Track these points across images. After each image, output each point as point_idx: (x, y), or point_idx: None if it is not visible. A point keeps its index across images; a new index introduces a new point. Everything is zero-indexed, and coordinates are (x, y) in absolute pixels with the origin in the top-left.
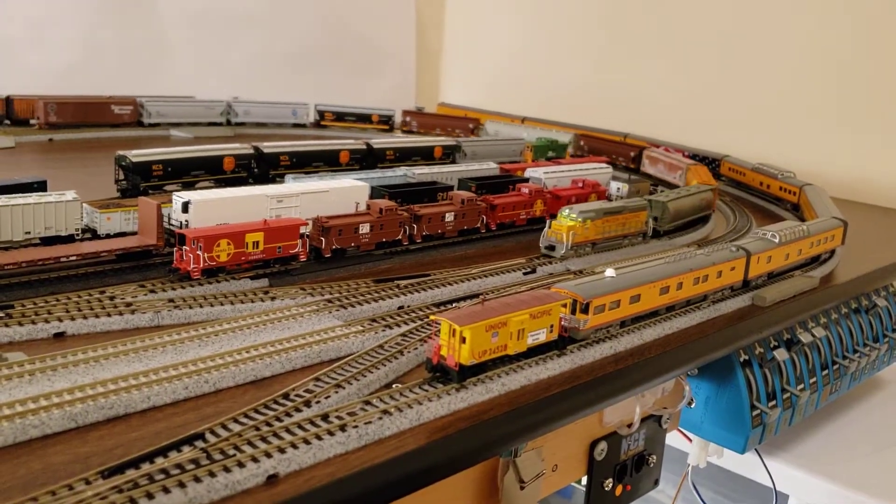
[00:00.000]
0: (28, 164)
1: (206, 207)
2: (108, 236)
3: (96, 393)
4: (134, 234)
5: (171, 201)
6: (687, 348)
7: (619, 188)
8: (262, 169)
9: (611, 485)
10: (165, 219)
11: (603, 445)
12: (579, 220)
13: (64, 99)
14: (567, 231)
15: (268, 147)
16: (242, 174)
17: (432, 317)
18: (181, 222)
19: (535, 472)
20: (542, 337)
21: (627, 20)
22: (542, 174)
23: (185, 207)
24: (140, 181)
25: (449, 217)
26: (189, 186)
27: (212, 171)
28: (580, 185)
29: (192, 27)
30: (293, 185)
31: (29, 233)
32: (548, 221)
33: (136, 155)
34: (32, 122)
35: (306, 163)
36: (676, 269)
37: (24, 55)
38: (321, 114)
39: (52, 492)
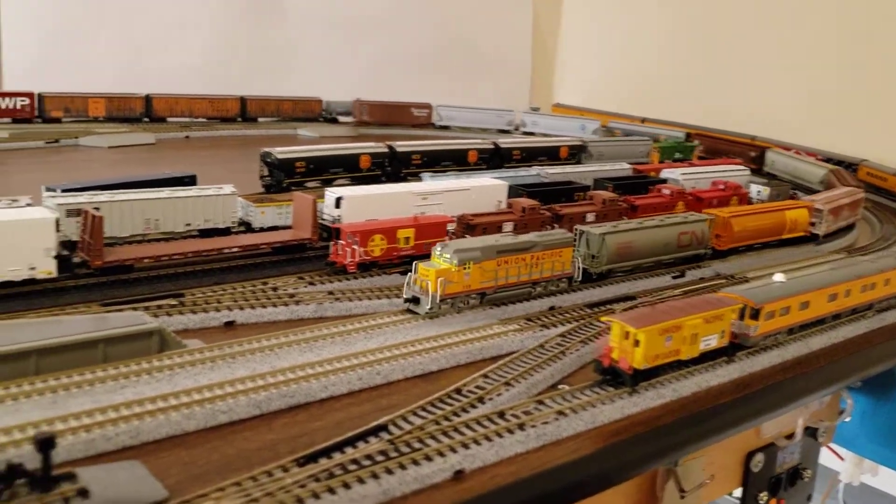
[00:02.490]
0: (170, 160)
1: (357, 203)
2: (261, 230)
3: (276, 381)
4: (286, 227)
5: (323, 197)
6: (854, 359)
7: (759, 191)
8: (394, 167)
9: (765, 498)
10: (318, 214)
11: (760, 457)
12: (454, 262)
13: (374, 102)
14: (436, 279)
15: (401, 146)
16: (377, 172)
17: (603, 318)
18: (333, 217)
19: (696, 482)
20: (713, 342)
21: (750, 19)
22: (679, 175)
23: (338, 203)
24: (284, 177)
25: (590, 217)
26: (327, 183)
27: (349, 169)
28: (721, 186)
29: (319, 30)
30: (436, 183)
31: (189, 224)
32: (414, 264)
33: (281, 152)
34: (343, 118)
35: (436, 161)
36: (844, 276)
37: (162, 56)
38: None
39: (253, 477)
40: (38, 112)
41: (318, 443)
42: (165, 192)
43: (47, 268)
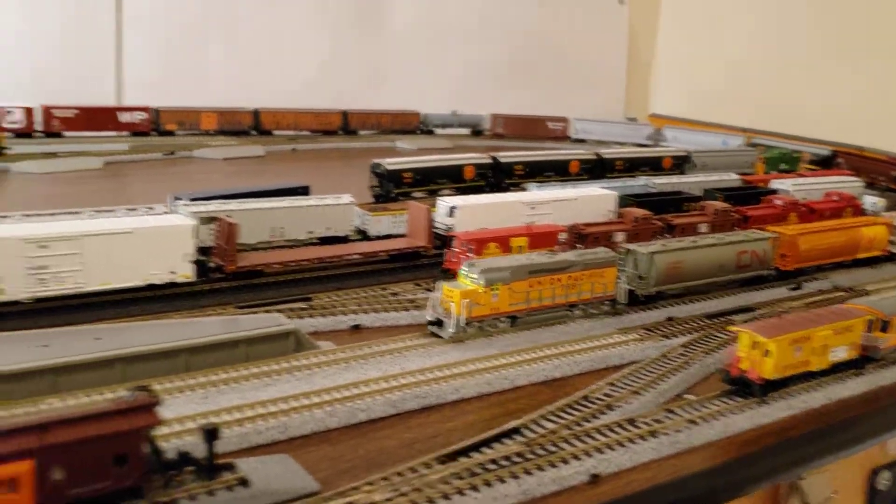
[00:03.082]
0: (279, 171)
1: (469, 212)
2: (376, 238)
3: (409, 382)
4: (400, 236)
5: (435, 206)
6: None
7: (874, 203)
8: (497, 178)
9: None
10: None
11: (887, 475)
12: (481, 282)
13: (510, 115)
14: (460, 300)
15: (504, 157)
16: (481, 182)
17: (731, 328)
18: (447, 226)
19: (822, 498)
20: (842, 354)
21: (862, 27)
22: (790, 186)
23: (451, 212)
24: (392, 187)
25: (703, 228)
26: (433, 193)
27: (453, 180)
28: (835, 198)
29: (415, 45)
30: (544, 193)
31: (311, 232)
32: (439, 284)
33: (391, 163)
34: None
35: (539, 172)
36: None
37: (268, 71)
38: None
39: (399, 473)
40: (154, 125)
41: (453, 443)
42: (289, 202)
43: (186, 272)
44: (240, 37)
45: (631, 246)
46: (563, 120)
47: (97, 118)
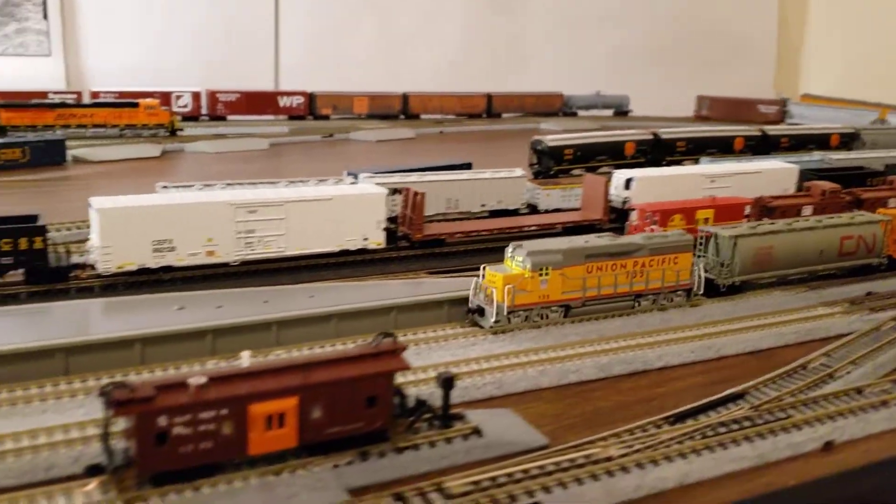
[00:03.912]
0: (432, 152)
1: (646, 185)
2: (545, 211)
3: (618, 346)
4: (572, 210)
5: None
6: None
7: None
8: (656, 154)
9: None
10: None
11: None
12: (527, 266)
13: (718, 97)
14: (503, 286)
15: (665, 133)
16: (641, 159)
17: None
18: (623, 198)
19: None
20: None
21: None
22: None
23: (628, 184)
24: (553, 164)
25: (893, 202)
26: (592, 170)
27: (614, 156)
28: None
29: (557, 25)
30: (725, 166)
31: (484, 205)
32: (482, 268)
33: (552, 140)
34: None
35: (701, 149)
36: None
37: (415, 55)
38: None
39: (630, 431)
40: (310, 109)
41: (668, 408)
42: (466, 175)
43: (377, 239)
44: (387, 23)
45: (711, 228)
46: (778, 102)
47: (258, 102)
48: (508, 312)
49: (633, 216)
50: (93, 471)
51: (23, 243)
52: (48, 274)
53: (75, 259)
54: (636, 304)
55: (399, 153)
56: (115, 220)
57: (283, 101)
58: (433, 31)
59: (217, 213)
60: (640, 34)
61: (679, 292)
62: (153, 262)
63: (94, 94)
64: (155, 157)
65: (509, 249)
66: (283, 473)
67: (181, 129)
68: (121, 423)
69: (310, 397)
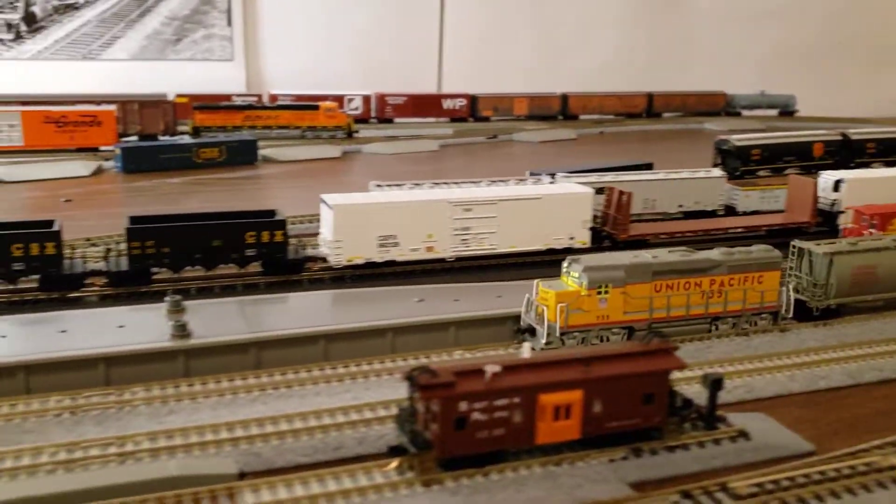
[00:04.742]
0: (591, 152)
1: (857, 186)
2: (744, 213)
3: (864, 353)
4: (772, 212)
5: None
6: None
7: None
8: (845, 155)
9: None
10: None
11: None
12: (583, 283)
13: None
14: (556, 304)
15: (855, 134)
16: (829, 160)
17: None
18: (830, 200)
19: None
20: None
21: None
22: None
23: (837, 186)
24: (739, 165)
25: None
26: (777, 172)
27: (801, 157)
28: None
29: (718, 23)
30: None
31: (681, 206)
32: (535, 283)
33: (739, 140)
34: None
35: (893, 151)
36: None
37: (574, 56)
38: None
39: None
40: (471, 111)
41: None
42: (663, 174)
43: (583, 238)
44: (546, 23)
45: (804, 244)
46: None
47: (423, 105)
48: (562, 334)
49: (845, 219)
50: (395, 451)
51: (265, 236)
52: (287, 266)
53: (306, 253)
54: (713, 328)
55: (562, 154)
56: (347, 216)
57: (447, 104)
58: (594, 31)
59: (437, 211)
60: (806, 32)
61: (763, 315)
62: (378, 257)
63: (273, 97)
64: (336, 157)
65: (565, 263)
66: (562, 464)
67: (357, 131)
68: (419, 407)
69: (592, 391)
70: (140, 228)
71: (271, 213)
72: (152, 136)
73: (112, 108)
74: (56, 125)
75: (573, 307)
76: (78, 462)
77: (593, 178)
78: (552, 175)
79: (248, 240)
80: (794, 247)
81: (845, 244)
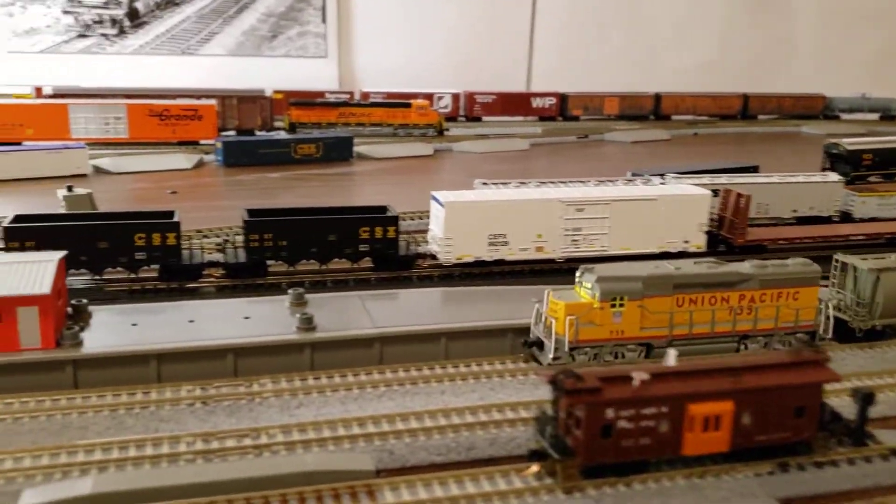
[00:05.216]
0: (685, 154)
1: None
2: (861, 220)
3: None
4: (890, 220)
5: None
6: None
7: None
8: None
9: None
10: None
11: None
12: (595, 295)
13: None
14: (565, 316)
15: None
16: None
17: None
18: None
19: None
20: None
21: None
22: None
23: None
24: (850, 169)
25: None
26: (889, 178)
27: None
28: None
29: (818, 24)
30: None
31: (795, 211)
32: (545, 293)
33: (851, 143)
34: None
35: None
36: None
37: (667, 55)
38: None
39: None
40: (560, 111)
41: None
42: (778, 177)
43: (699, 241)
44: (639, 22)
45: (847, 258)
46: None
47: (512, 104)
48: (571, 349)
49: None
50: (535, 455)
51: (378, 232)
52: (398, 262)
53: (416, 250)
54: (741, 348)
55: (656, 155)
56: (459, 214)
57: (536, 103)
58: (688, 32)
59: (548, 210)
60: None
61: (799, 335)
62: (488, 255)
63: (365, 95)
64: (428, 155)
65: (578, 273)
66: (706, 477)
67: (447, 129)
68: (560, 412)
69: (743, 402)
70: (259, 221)
71: (383, 209)
72: (249, 131)
73: (213, 102)
74: (159, 119)
75: (584, 320)
76: (215, 452)
77: (706, 179)
78: (661, 176)
79: (361, 235)
80: (836, 261)
81: (893, 260)
